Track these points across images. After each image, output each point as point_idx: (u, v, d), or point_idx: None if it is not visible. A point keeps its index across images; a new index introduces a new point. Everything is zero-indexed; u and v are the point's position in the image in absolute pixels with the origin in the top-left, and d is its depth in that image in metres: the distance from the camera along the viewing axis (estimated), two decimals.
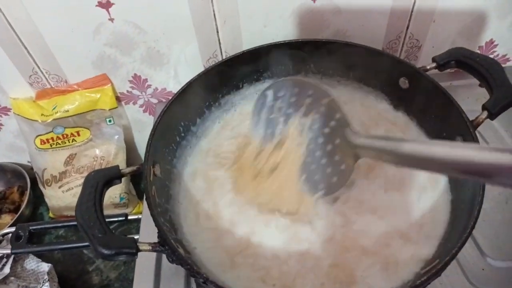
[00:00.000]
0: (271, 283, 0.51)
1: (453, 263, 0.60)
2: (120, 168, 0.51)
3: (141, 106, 0.87)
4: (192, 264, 0.44)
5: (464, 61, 0.59)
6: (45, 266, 0.80)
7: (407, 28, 0.77)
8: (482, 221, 0.65)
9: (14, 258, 0.79)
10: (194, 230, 0.57)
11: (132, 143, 0.95)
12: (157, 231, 0.47)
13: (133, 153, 0.95)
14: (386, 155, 0.43)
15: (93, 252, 0.42)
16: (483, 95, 0.57)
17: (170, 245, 0.45)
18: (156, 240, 0.47)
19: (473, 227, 0.45)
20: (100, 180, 0.48)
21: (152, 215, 0.47)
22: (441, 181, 0.58)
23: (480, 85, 0.59)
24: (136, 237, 0.66)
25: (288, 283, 0.51)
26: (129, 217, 0.81)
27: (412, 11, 0.74)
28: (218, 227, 0.57)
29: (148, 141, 0.54)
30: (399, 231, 0.54)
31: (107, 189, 0.49)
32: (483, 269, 0.60)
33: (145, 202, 0.52)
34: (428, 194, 0.57)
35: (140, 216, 0.71)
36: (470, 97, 0.79)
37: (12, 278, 0.78)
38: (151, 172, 0.53)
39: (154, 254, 0.63)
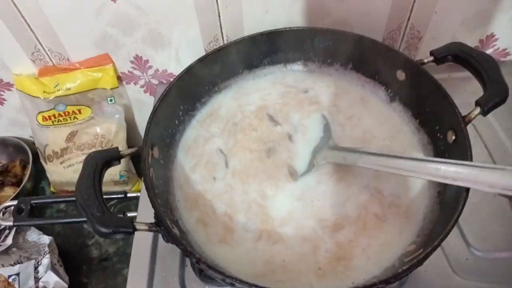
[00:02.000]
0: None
1: (439, 251, 0.62)
2: (120, 149, 0.53)
3: (142, 86, 0.88)
4: (186, 244, 0.46)
5: (461, 56, 0.60)
6: (46, 239, 0.83)
7: (408, 19, 0.77)
8: (469, 213, 0.66)
9: (16, 230, 0.81)
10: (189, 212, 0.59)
11: (133, 122, 0.96)
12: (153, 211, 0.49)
13: (133, 132, 0.96)
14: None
15: (92, 230, 0.44)
16: (481, 88, 0.57)
17: (165, 226, 0.47)
18: (152, 220, 0.49)
19: (456, 220, 0.47)
20: (99, 161, 0.50)
21: (149, 196, 0.49)
22: None
23: None
24: (134, 214, 0.68)
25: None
26: (128, 195, 0.82)
27: (414, 2, 0.74)
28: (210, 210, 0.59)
29: (147, 125, 0.56)
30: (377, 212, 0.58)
31: (106, 169, 0.51)
32: (467, 259, 0.62)
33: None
34: (416, 181, 0.60)
35: (139, 194, 0.73)
36: (468, 89, 0.79)
37: (14, 249, 0.80)
38: (150, 155, 0.55)
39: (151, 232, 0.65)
